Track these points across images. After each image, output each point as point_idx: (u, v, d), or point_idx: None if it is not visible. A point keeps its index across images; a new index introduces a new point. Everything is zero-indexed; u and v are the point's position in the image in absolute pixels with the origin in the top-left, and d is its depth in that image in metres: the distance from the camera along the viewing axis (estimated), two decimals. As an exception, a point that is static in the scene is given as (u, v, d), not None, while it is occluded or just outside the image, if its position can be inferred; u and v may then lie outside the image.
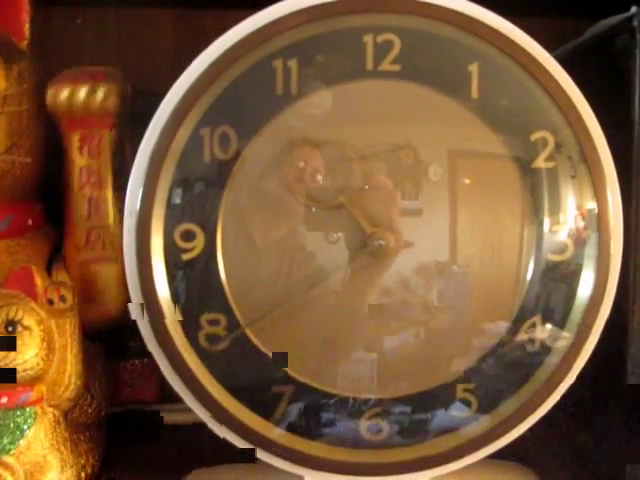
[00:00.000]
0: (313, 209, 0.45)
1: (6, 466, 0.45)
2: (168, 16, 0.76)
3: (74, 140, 0.50)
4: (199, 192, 0.45)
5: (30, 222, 0.53)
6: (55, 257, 0.53)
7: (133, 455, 0.58)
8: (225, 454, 0.54)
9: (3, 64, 0.50)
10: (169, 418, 0.68)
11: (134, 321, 0.54)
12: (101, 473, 0.52)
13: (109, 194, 0.51)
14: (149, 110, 0.47)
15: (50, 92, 0.50)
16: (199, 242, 0.45)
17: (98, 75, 0.50)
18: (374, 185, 0.46)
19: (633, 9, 0.48)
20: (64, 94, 0.49)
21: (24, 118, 0.50)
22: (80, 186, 0.51)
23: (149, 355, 0.67)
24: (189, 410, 0.66)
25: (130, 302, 0.50)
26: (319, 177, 0.46)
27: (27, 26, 0.53)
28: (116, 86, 0.51)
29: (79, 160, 0.51)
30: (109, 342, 0.57)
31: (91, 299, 0.52)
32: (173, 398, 0.67)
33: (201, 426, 0.65)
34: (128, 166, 0.47)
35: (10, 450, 0.45)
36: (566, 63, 0.48)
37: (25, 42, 0.53)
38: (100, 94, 0.50)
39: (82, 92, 0.49)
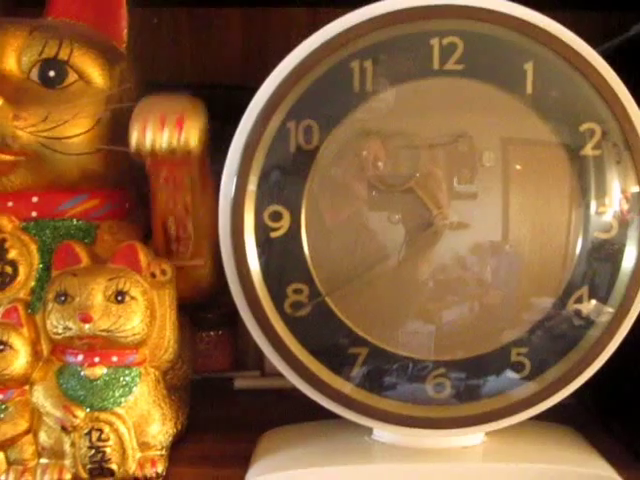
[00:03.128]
0: (374, 192, 0.50)
1: (118, 416, 0.51)
2: (236, 15, 0.82)
3: (159, 177, 0.53)
4: (285, 178, 0.50)
5: (127, 206, 0.58)
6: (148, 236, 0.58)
7: (210, 417, 0.63)
8: (293, 416, 0.61)
9: (108, 66, 0.55)
10: (240, 383, 0.74)
11: (214, 295, 0.61)
12: (187, 431, 0.58)
13: (189, 213, 0.55)
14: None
15: (134, 135, 0.51)
16: (285, 222, 0.50)
17: (179, 120, 0.51)
18: (434, 172, 0.51)
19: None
20: (148, 140, 0.51)
21: (125, 114, 0.55)
22: (169, 211, 0.54)
23: (223, 327, 0.74)
24: (258, 377, 0.73)
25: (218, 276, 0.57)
26: (380, 164, 0.51)
27: (125, 31, 0.58)
28: (198, 125, 0.51)
29: (163, 193, 0.53)
30: (186, 315, 0.62)
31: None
32: (244, 366, 0.75)
33: (270, 391, 0.72)
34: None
35: (121, 403, 0.51)
36: (613, 57, 0.51)
37: (124, 45, 0.58)
38: (183, 139, 0.51)
39: (165, 138, 0.51)
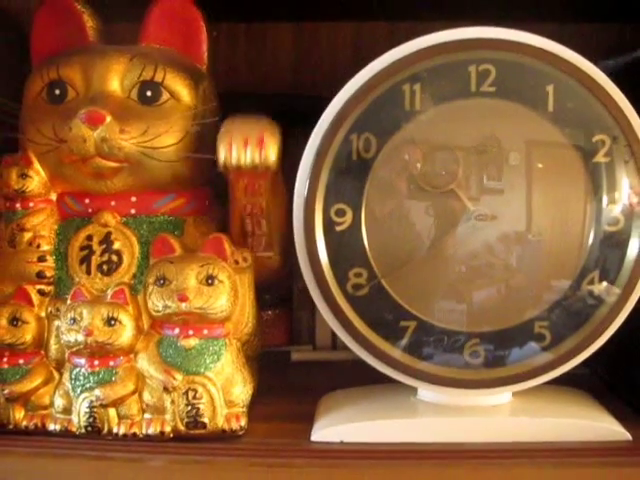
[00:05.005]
0: (421, 193, 0.59)
1: (209, 379, 0.59)
2: (288, 29, 0.89)
3: (239, 186, 0.61)
4: (348, 181, 0.58)
5: (207, 203, 0.66)
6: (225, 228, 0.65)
7: (273, 384, 0.69)
8: (342, 383, 0.69)
9: (194, 86, 0.63)
10: (296, 356, 0.83)
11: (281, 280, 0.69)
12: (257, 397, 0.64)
13: (264, 214, 0.63)
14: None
15: (222, 153, 0.59)
16: (348, 217, 0.59)
17: (260, 140, 0.59)
18: (471, 175, 0.60)
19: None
20: (234, 158, 0.59)
21: (209, 128, 0.63)
22: (247, 214, 0.63)
23: (280, 307, 0.83)
24: (311, 350, 0.82)
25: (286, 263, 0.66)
26: (418, 165, 0.60)
27: (206, 54, 0.66)
28: (275, 144, 0.59)
29: (243, 199, 0.62)
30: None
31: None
32: (298, 341, 0.84)
33: (321, 363, 0.82)
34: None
35: (211, 368, 0.59)
36: (624, 72, 0.60)
37: (204, 66, 0.66)
38: (264, 157, 0.59)
39: (249, 156, 0.59)
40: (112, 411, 0.59)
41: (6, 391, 0.60)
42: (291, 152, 0.66)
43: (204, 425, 0.59)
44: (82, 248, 0.62)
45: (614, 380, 0.72)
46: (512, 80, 0.57)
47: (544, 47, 0.57)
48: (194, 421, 0.59)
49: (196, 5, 0.66)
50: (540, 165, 0.59)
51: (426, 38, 0.58)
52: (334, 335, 0.82)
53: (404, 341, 0.60)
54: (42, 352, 0.62)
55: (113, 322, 0.59)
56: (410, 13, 0.84)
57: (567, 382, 0.65)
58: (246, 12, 0.86)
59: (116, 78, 0.62)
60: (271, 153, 0.59)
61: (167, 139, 0.61)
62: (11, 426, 0.61)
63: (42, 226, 0.63)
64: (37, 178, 0.63)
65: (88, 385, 0.60)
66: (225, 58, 0.88)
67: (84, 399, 0.59)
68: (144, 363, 0.60)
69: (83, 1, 0.66)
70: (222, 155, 0.59)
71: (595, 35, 0.88)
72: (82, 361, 0.60)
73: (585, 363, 0.61)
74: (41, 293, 0.63)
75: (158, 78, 0.62)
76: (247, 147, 0.58)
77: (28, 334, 0.61)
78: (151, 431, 0.59)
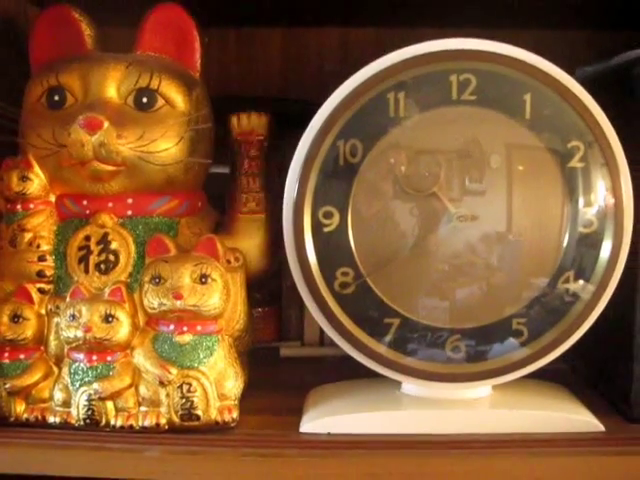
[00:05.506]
0: (404, 196, 0.61)
1: (202, 373, 0.61)
2: (277, 34, 0.91)
3: (242, 145, 0.68)
4: (335, 184, 0.61)
5: (200, 204, 0.68)
6: (217, 230, 0.68)
7: (262, 379, 0.71)
8: (329, 377, 0.72)
9: (188, 92, 0.65)
10: (285, 352, 0.86)
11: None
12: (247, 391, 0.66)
13: (261, 175, 0.68)
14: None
15: (231, 120, 0.68)
16: (335, 219, 0.61)
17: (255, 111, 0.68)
18: (452, 179, 0.63)
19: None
20: (235, 120, 0.68)
21: (203, 133, 0.66)
22: (244, 172, 0.68)
23: (269, 305, 0.86)
24: (299, 346, 0.85)
25: (275, 260, 0.69)
26: (402, 168, 0.63)
27: (199, 61, 0.68)
28: (267, 115, 0.68)
29: (244, 156, 0.68)
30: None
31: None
32: (287, 337, 0.87)
33: (308, 358, 0.84)
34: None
35: (204, 362, 0.61)
36: (593, 84, 0.62)
37: (197, 73, 0.68)
38: (259, 118, 0.68)
39: (247, 118, 0.68)
40: (110, 404, 0.62)
41: (7, 385, 0.63)
42: (281, 154, 0.69)
43: (198, 417, 0.61)
44: (80, 248, 0.65)
45: (591, 375, 0.75)
46: (491, 89, 0.60)
47: (521, 58, 0.60)
48: (188, 413, 0.62)
49: (189, 13, 0.68)
50: (519, 169, 0.62)
51: (410, 49, 0.60)
52: (322, 332, 0.84)
53: (389, 337, 0.63)
54: (42, 348, 0.65)
55: (111, 319, 0.62)
56: (396, 19, 0.87)
57: (547, 377, 0.68)
58: (236, 17, 0.88)
59: (113, 85, 0.64)
60: (264, 119, 0.68)
61: (162, 144, 0.64)
62: (12, 419, 0.64)
63: (42, 227, 0.66)
64: (37, 181, 0.65)
65: (87, 379, 0.62)
66: (216, 62, 0.90)
67: (83, 392, 0.62)
68: (140, 358, 0.63)
69: (81, 10, 0.67)
70: (231, 120, 0.68)
71: (575, 42, 0.90)
72: (81, 356, 0.63)
73: (564, 359, 0.65)
74: (41, 291, 0.65)
75: (153, 85, 0.64)
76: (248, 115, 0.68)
77: (29, 330, 0.64)
78: (147, 423, 0.62)
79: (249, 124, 0.68)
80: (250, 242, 0.68)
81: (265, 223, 0.68)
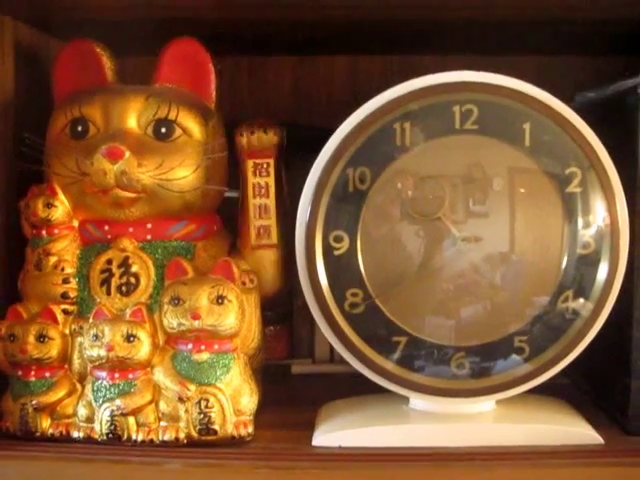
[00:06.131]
0: (411, 221, 0.64)
1: (219, 390, 0.64)
2: (288, 62, 0.94)
3: (250, 165, 0.69)
4: (345, 210, 0.64)
5: (215, 228, 0.71)
6: (231, 252, 0.71)
7: (275, 395, 0.73)
8: (339, 394, 0.74)
9: (204, 123, 0.68)
10: (296, 369, 0.88)
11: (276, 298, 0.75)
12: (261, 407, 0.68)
13: (272, 202, 0.70)
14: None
15: (238, 136, 0.69)
16: (345, 243, 0.64)
17: (267, 124, 0.70)
18: (457, 204, 0.66)
19: (640, 77, 0.62)
20: (245, 138, 0.69)
21: (218, 161, 0.69)
22: (253, 196, 0.70)
23: (281, 323, 0.88)
24: (310, 364, 0.87)
25: (285, 284, 0.72)
26: (409, 194, 0.66)
27: (215, 92, 0.71)
28: (277, 130, 0.69)
29: (252, 179, 0.69)
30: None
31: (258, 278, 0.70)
32: (298, 355, 0.89)
33: (319, 375, 0.87)
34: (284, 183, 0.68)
35: (221, 379, 0.64)
36: (592, 109, 0.65)
37: (213, 104, 0.71)
38: (269, 136, 0.69)
39: (257, 135, 0.69)
40: (131, 419, 0.65)
41: (34, 402, 0.66)
42: (292, 178, 0.72)
43: (215, 432, 0.64)
44: (102, 271, 0.68)
45: (591, 389, 0.78)
46: (492, 118, 0.63)
47: (521, 89, 0.63)
48: (206, 428, 0.64)
49: (204, 45, 0.71)
50: (520, 193, 0.65)
51: (415, 81, 0.63)
52: (332, 349, 0.86)
53: (396, 355, 0.65)
54: (66, 366, 0.68)
55: (132, 339, 0.65)
56: (402, 48, 0.90)
57: (548, 392, 0.70)
58: (248, 47, 0.91)
59: (133, 116, 0.67)
60: (275, 136, 0.69)
61: (180, 172, 0.66)
62: (38, 434, 0.66)
63: (66, 251, 0.69)
64: (61, 207, 0.68)
65: (109, 396, 0.65)
66: (229, 89, 0.92)
67: (105, 409, 0.65)
68: (160, 375, 0.65)
69: (102, 44, 0.71)
70: (238, 136, 0.69)
71: (576, 67, 0.93)
72: (104, 374, 0.65)
73: (566, 374, 0.68)
74: (65, 312, 0.68)
75: (172, 116, 0.67)
76: (257, 131, 0.69)
77: (54, 350, 0.67)
78: (167, 437, 0.64)
79: (259, 143, 0.69)
80: (262, 272, 0.71)
81: (277, 254, 0.71)
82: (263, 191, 0.70)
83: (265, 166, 0.70)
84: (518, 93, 0.63)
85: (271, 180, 0.70)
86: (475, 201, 0.64)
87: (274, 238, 0.70)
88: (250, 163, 0.70)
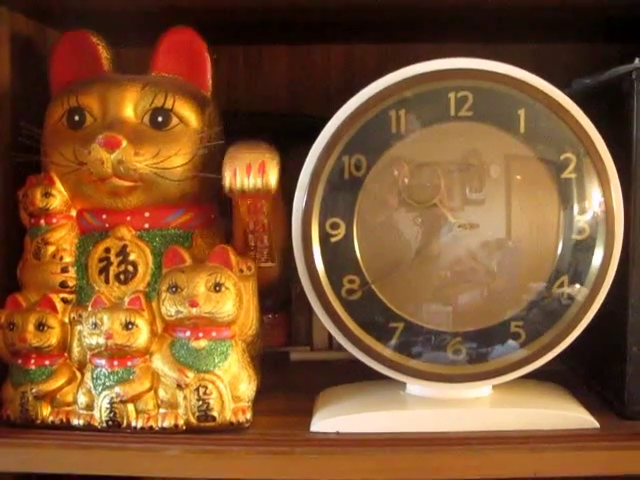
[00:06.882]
0: (407, 207, 0.64)
1: (218, 377, 0.64)
2: (283, 51, 0.94)
3: (243, 206, 0.66)
4: (341, 197, 0.64)
5: (212, 216, 0.71)
6: (228, 239, 0.71)
7: (273, 382, 0.74)
8: (337, 380, 0.75)
9: (200, 111, 0.69)
10: (295, 356, 0.88)
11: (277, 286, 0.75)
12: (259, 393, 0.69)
13: (269, 231, 0.68)
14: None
15: (227, 179, 0.63)
16: (342, 230, 0.64)
17: (262, 167, 0.63)
18: (453, 190, 0.66)
19: (637, 61, 0.63)
20: (238, 184, 0.63)
21: (215, 150, 0.69)
22: (249, 231, 0.68)
23: (279, 311, 0.89)
24: (308, 351, 0.88)
25: (283, 271, 0.72)
26: (405, 181, 0.66)
27: (210, 81, 0.71)
28: (275, 170, 0.64)
29: (246, 217, 0.67)
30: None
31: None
32: (297, 342, 0.90)
33: (317, 362, 0.87)
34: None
35: (219, 366, 0.64)
36: (588, 95, 0.65)
37: (209, 93, 0.71)
38: (265, 182, 0.63)
39: (252, 182, 0.63)
40: (130, 406, 0.65)
41: (34, 390, 0.66)
42: (288, 167, 0.72)
43: (214, 418, 0.65)
44: (101, 260, 0.68)
45: (587, 374, 0.78)
46: (487, 105, 0.63)
47: (515, 75, 0.63)
48: (205, 415, 0.65)
49: (200, 34, 0.71)
50: (516, 180, 0.65)
51: (410, 68, 0.63)
52: (330, 336, 0.87)
53: (393, 341, 0.66)
54: (65, 354, 0.68)
55: (130, 326, 0.65)
56: (398, 36, 0.90)
57: (545, 377, 0.71)
58: (244, 36, 0.91)
59: (130, 105, 0.68)
60: (272, 178, 0.64)
61: (177, 160, 0.67)
62: (39, 421, 0.67)
63: (64, 240, 0.69)
64: (59, 197, 0.69)
65: (108, 383, 0.65)
66: (224, 78, 0.92)
67: (105, 396, 0.65)
68: (159, 363, 0.66)
69: (99, 34, 0.71)
70: (228, 180, 0.64)
71: (572, 54, 0.93)
72: (103, 362, 0.66)
73: (562, 360, 0.68)
74: (64, 301, 0.69)
75: (168, 105, 0.68)
76: (250, 173, 0.63)
77: (53, 338, 0.67)
78: (166, 424, 0.65)
79: (254, 188, 0.64)
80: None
81: (275, 266, 0.70)
82: (259, 227, 0.68)
83: (260, 206, 0.67)
84: (513, 79, 0.63)
85: (264, 217, 0.67)
86: (471, 188, 0.65)
87: (272, 255, 0.69)
88: (244, 204, 0.67)
